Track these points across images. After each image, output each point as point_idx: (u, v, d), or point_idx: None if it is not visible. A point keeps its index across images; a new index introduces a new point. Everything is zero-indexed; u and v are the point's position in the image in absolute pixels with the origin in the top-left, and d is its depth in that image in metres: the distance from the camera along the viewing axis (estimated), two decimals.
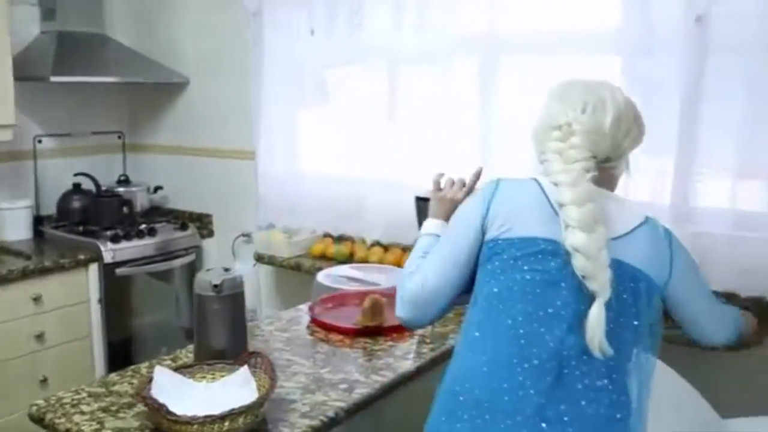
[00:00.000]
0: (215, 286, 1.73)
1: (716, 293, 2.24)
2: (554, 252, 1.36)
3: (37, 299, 2.94)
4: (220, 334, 1.75)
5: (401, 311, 1.53)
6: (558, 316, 1.34)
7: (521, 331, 1.34)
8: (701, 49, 2.18)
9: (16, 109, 3.00)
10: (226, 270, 1.80)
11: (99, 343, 3.18)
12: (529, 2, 2.49)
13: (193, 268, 3.51)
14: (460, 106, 2.69)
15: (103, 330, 3.18)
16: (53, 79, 3.11)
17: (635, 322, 1.39)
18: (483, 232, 1.44)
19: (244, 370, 1.62)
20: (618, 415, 1.32)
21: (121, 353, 3.26)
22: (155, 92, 3.75)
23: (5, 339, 2.85)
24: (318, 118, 3.14)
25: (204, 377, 1.68)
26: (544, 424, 1.28)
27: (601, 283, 1.32)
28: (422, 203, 2.39)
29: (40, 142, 3.48)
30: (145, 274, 3.32)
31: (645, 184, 2.37)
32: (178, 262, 3.45)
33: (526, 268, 1.37)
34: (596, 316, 1.31)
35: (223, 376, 1.67)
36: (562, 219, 1.35)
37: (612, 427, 1.32)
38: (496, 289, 1.39)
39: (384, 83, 2.86)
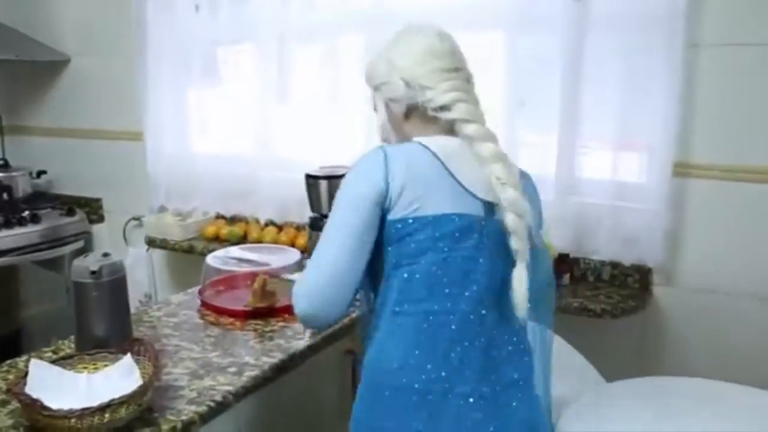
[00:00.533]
0: (93, 272, 1.66)
1: (602, 263, 2.38)
2: (469, 227, 1.36)
3: None
4: (101, 322, 1.68)
5: (297, 306, 1.43)
6: (480, 293, 1.36)
7: (451, 317, 1.34)
8: (581, 26, 2.24)
9: None
10: (105, 255, 1.72)
11: None
12: None
13: (82, 255, 3.37)
14: (348, 83, 2.67)
15: None
16: None
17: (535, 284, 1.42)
18: (383, 210, 1.37)
19: (127, 358, 1.57)
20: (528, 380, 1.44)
21: (9, 348, 3.10)
22: (34, 71, 3.55)
23: None
24: (207, 97, 3.06)
25: (86, 368, 1.61)
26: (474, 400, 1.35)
27: (524, 243, 1.37)
28: (313, 181, 2.38)
29: None
30: (31, 263, 3.16)
31: (530, 156, 2.43)
32: (66, 249, 3.30)
33: (446, 249, 1.35)
34: (520, 279, 1.36)
35: (106, 366, 1.61)
36: (492, 175, 1.36)
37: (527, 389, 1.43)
38: (417, 275, 1.35)
39: (273, 61, 2.80)
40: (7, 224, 3.07)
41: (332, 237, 1.39)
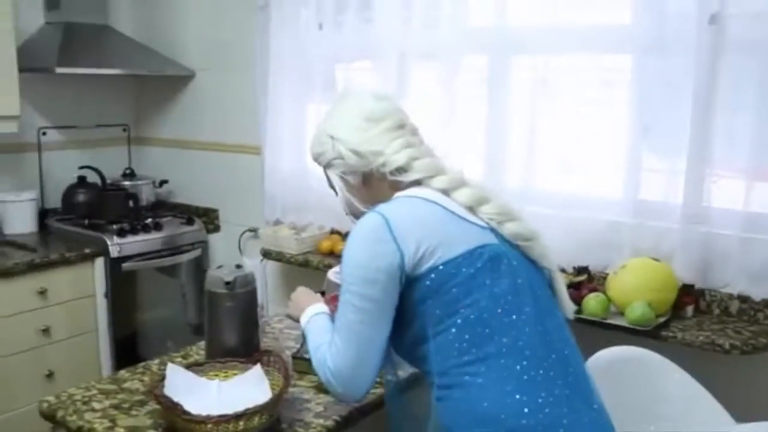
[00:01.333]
0: (227, 283, 1.72)
1: (730, 296, 2.28)
2: (497, 255, 1.34)
3: (42, 293, 2.93)
4: (232, 331, 1.75)
5: (330, 388, 1.43)
6: (533, 310, 1.35)
7: (520, 343, 1.30)
8: (715, 50, 2.16)
9: (21, 101, 2.98)
10: (238, 267, 1.79)
11: (105, 337, 3.17)
12: None
13: (199, 263, 3.50)
14: (469, 103, 2.68)
15: (109, 325, 3.17)
16: (59, 70, 3.09)
17: None
18: (405, 275, 1.32)
19: (257, 368, 1.62)
20: None
21: (127, 348, 3.25)
22: (160, 85, 3.73)
23: (11, 333, 2.84)
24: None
25: (216, 375, 1.68)
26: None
27: (549, 256, 1.44)
28: None
29: (44, 134, 3.47)
30: (151, 268, 3.31)
31: (657, 183, 2.37)
32: (184, 257, 3.44)
33: (488, 281, 1.32)
34: (561, 281, 1.46)
35: (235, 375, 1.66)
36: (484, 220, 1.38)
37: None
38: (473, 316, 1.30)
39: (393, 79, 2.83)
40: (133, 231, 3.22)
41: (352, 320, 1.36)
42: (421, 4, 2.72)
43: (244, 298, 1.75)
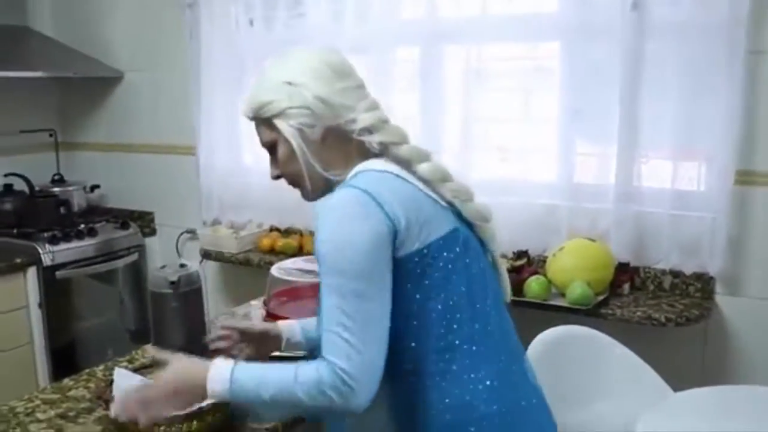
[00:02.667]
0: (172, 282, 1.69)
1: (663, 272, 2.37)
2: (466, 237, 1.29)
3: None
4: (179, 332, 1.72)
5: (357, 399, 1.16)
6: (493, 294, 1.33)
7: (489, 328, 1.28)
8: (638, 34, 2.25)
9: None
10: (182, 266, 1.76)
11: (41, 349, 3.07)
12: None
13: (136, 268, 3.43)
14: (402, 95, 2.70)
15: (45, 335, 3.07)
16: None
17: None
18: (395, 249, 1.21)
19: None
20: None
21: (65, 359, 3.16)
22: (87, 87, 3.62)
23: None
24: None
25: None
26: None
27: (497, 238, 1.39)
28: None
29: None
30: (87, 275, 3.22)
31: (589, 166, 2.44)
32: (120, 262, 3.36)
33: (467, 264, 1.27)
34: (503, 266, 1.42)
35: None
36: (447, 194, 1.29)
37: None
38: (451, 302, 1.24)
39: None
40: (66, 237, 3.13)
41: (363, 308, 1.16)
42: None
43: (190, 298, 1.72)
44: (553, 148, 2.50)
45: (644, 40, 2.25)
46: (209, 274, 3.30)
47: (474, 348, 1.25)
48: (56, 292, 3.10)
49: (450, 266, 1.25)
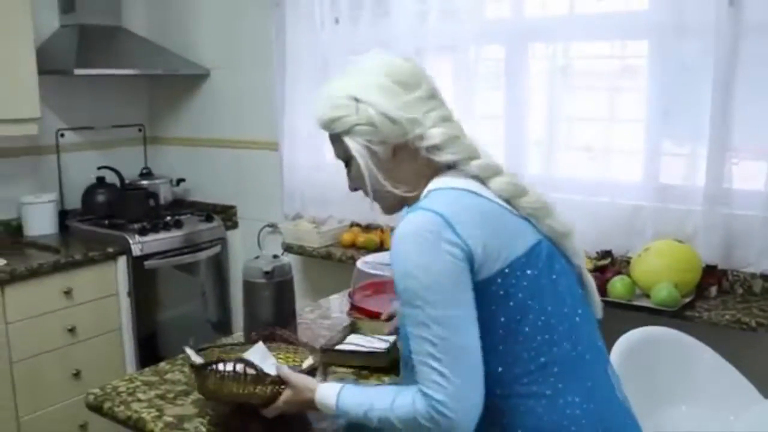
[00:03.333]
0: (267, 272, 1.74)
1: (753, 275, 2.30)
2: (551, 252, 1.26)
3: (68, 293, 2.95)
4: (270, 320, 1.77)
5: (456, 422, 1.13)
6: (584, 311, 1.30)
7: (579, 348, 1.25)
8: (734, 32, 2.19)
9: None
10: (275, 257, 1.81)
11: (128, 335, 3.20)
12: None
13: (218, 260, 3.53)
14: (488, 93, 2.71)
15: (132, 323, 3.20)
16: (77, 71, 3.11)
17: None
18: (474, 273, 1.17)
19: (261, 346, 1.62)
20: None
21: (149, 347, 3.27)
22: (175, 84, 3.76)
23: (38, 333, 2.87)
24: None
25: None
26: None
27: (581, 253, 1.35)
28: None
29: (62, 135, 3.49)
30: (172, 266, 3.32)
31: (677, 167, 2.39)
32: (203, 254, 3.46)
33: (550, 283, 1.23)
34: (592, 281, 1.37)
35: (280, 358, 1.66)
36: (526, 210, 1.25)
37: None
38: (539, 322, 1.21)
39: None
40: (154, 229, 3.25)
41: (446, 336, 1.13)
42: None
43: (282, 288, 1.78)
44: (639, 148, 2.46)
45: (740, 38, 2.19)
46: (293, 269, 3.36)
47: (566, 370, 1.21)
48: (144, 282, 3.22)
49: (534, 284, 1.21)
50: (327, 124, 1.30)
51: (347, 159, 1.31)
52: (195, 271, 3.47)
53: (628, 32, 2.46)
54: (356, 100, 1.25)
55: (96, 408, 1.62)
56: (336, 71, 3.07)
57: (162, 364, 1.83)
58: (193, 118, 3.77)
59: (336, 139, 1.31)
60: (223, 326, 3.58)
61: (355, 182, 1.33)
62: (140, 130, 3.85)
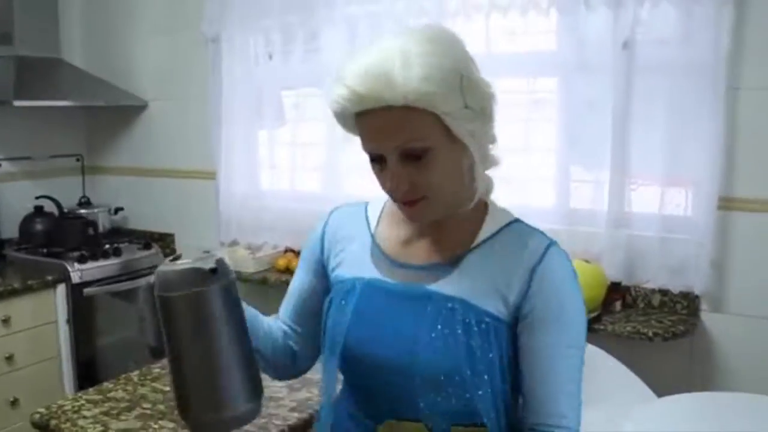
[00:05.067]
0: (213, 270, 1.14)
1: (652, 291, 2.54)
2: None
3: (6, 321, 3.00)
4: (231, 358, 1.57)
5: None
6: None
7: None
8: (628, 71, 2.44)
9: None
10: (206, 252, 1.23)
11: (68, 362, 3.25)
12: (473, 30, 2.70)
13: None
14: None
15: (72, 349, 3.26)
16: (16, 103, 3.19)
17: None
18: None
19: None
20: None
21: (89, 372, 3.33)
22: (113, 115, 3.85)
23: None
24: (277, 139, 3.31)
25: None
26: None
27: None
28: None
29: None
30: (111, 293, 3.39)
31: (584, 192, 2.63)
32: (142, 281, 3.52)
33: None
34: None
35: None
36: None
37: None
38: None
39: None
40: (93, 257, 3.32)
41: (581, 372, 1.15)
42: (364, 36, 2.93)
43: (232, 297, 1.16)
44: (551, 175, 2.69)
45: (634, 77, 2.44)
46: None
47: None
48: (83, 309, 3.28)
49: None
50: (426, 99, 1.03)
51: (423, 147, 1.06)
52: (133, 298, 3.53)
53: (539, 70, 2.69)
54: (463, 76, 1.06)
55: (42, 426, 1.72)
56: (269, 104, 3.24)
57: (105, 384, 1.94)
58: (131, 148, 3.86)
59: (421, 118, 1.04)
60: (162, 351, 3.64)
61: (427, 176, 1.08)
62: (78, 160, 3.92)
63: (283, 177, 3.32)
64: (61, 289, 3.21)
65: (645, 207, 2.50)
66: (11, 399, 3.04)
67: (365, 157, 1.14)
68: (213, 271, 1.13)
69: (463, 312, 1.10)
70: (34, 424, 1.74)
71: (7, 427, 3.01)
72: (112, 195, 3.91)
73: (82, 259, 3.27)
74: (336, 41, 3.01)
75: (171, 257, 1.18)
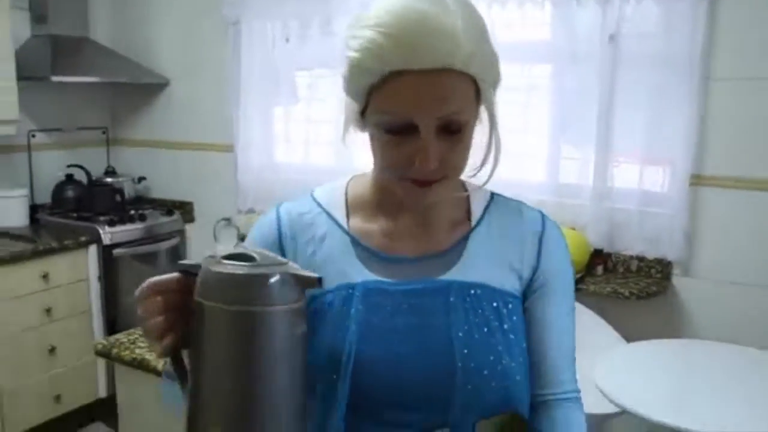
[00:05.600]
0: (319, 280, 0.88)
1: (630, 257, 2.85)
2: None
3: (45, 277, 3.30)
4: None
5: None
6: None
7: None
8: (613, 62, 2.74)
9: None
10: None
11: (98, 317, 3.55)
12: None
13: (176, 251, 3.91)
14: None
15: (102, 305, 3.56)
16: (54, 78, 3.46)
17: None
18: None
19: None
20: None
21: (114, 328, 3.62)
22: (137, 91, 4.12)
23: (18, 313, 3.21)
24: (291, 115, 3.60)
25: None
26: None
27: None
28: None
29: (33, 136, 3.82)
30: (137, 255, 3.69)
31: (572, 169, 2.93)
32: (164, 245, 3.83)
33: None
34: None
35: None
36: None
37: None
38: None
39: None
40: (121, 221, 3.61)
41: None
42: None
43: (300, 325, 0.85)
44: (543, 153, 2.99)
45: (618, 67, 2.74)
46: None
47: None
48: (112, 269, 3.58)
49: None
50: (482, 65, 0.92)
51: (463, 120, 0.93)
52: (156, 260, 3.83)
53: (534, 58, 2.98)
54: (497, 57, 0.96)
55: (105, 354, 2.02)
56: (285, 83, 3.52)
57: None
58: (153, 122, 4.14)
59: (466, 86, 0.92)
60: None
61: (458, 153, 0.96)
62: (104, 132, 4.20)
63: (297, 150, 3.61)
64: (93, 249, 3.50)
65: (626, 183, 2.81)
66: (49, 347, 3.34)
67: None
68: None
69: (487, 296, 1.01)
70: (98, 353, 2.04)
71: (47, 372, 3.32)
72: (135, 166, 4.19)
73: (111, 223, 3.56)
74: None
75: (215, 253, 0.87)
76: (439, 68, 0.87)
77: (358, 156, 3.29)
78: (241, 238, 3.59)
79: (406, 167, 0.94)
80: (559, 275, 1.08)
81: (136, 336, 2.09)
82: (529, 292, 1.07)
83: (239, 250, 0.87)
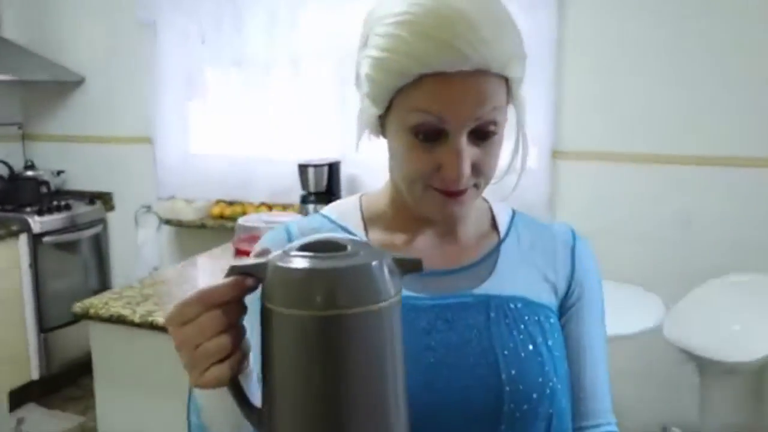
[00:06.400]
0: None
1: None
2: None
3: None
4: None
5: None
6: None
7: None
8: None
9: None
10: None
11: (29, 302, 3.80)
12: None
13: (98, 238, 4.20)
14: (321, 96, 3.66)
15: (33, 291, 3.81)
16: None
17: None
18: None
19: None
20: None
21: (43, 311, 3.88)
22: (52, 87, 4.33)
23: None
24: (205, 109, 3.98)
25: None
26: None
27: None
28: (303, 168, 3.39)
29: None
30: (61, 243, 3.95)
31: None
32: (87, 233, 4.11)
33: None
34: None
35: None
36: None
37: None
38: None
39: (258, 80, 3.77)
40: (48, 211, 3.87)
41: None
42: (284, 21, 3.65)
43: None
44: None
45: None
46: (166, 240, 4.11)
47: None
48: (41, 256, 3.83)
49: None
50: (520, 67, 0.87)
51: (497, 125, 0.87)
52: (81, 247, 4.11)
53: None
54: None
55: (83, 314, 2.36)
56: (199, 81, 3.90)
57: (113, 289, 2.59)
58: (69, 117, 4.36)
59: (501, 88, 0.86)
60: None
61: (491, 161, 0.90)
62: (19, 128, 4.39)
63: (210, 141, 3.99)
64: (23, 238, 3.74)
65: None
66: None
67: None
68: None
69: (528, 310, 0.94)
70: (76, 315, 2.38)
71: None
72: (53, 160, 4.39)
73: (40, 213, 3.81)
74: (257, 25, 3.69)
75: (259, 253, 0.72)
76: (477, 70, 0.81)
77: (261, 146, 3.77)
78: (166, 221, 3.94)
79: (432, 175, 0.87)
80: (594, 293, 1.02)
81: (107, 299, 2.45)
82: (564, 307, 1.00)
83: (312, 238, 0.75)
